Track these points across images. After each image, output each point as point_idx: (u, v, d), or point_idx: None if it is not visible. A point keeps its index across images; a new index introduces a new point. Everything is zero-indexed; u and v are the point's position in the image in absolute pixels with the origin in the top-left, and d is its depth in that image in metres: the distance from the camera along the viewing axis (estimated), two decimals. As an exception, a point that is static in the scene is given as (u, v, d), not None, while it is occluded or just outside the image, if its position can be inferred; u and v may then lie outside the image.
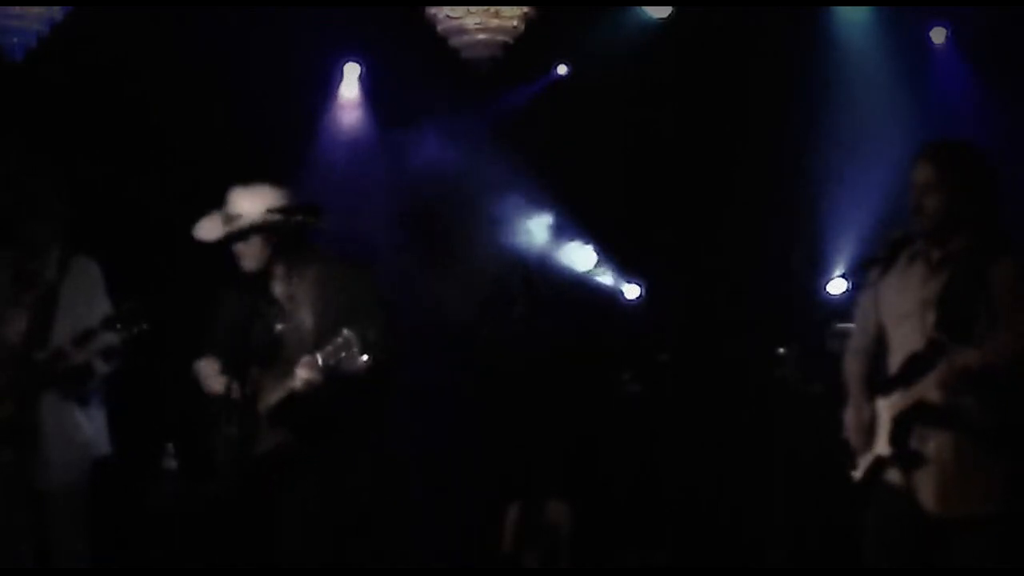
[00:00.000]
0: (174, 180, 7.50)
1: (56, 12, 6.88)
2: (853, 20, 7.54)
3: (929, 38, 7.60)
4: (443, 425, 7.60)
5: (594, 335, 7.86)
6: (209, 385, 5.13)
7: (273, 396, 5.02)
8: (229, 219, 5.10)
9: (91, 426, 5.52)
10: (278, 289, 5.15)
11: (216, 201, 5.18)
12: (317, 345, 4.91)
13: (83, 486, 5.46)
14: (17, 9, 6.77)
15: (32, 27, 6.84)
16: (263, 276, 5.10)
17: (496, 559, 7.06)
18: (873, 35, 7.53)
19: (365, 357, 4.84)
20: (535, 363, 7.64)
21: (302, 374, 4.88)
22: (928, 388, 4.27)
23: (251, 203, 5.08)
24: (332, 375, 4.90)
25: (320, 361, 4.87)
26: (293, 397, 4.96)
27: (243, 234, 5.06)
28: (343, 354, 4.84)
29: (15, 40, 6.82)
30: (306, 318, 5.06)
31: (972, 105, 7.28)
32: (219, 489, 5.20)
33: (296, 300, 5.11)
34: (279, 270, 5.12)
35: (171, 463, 6.93)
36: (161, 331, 5.50)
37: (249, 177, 5.21)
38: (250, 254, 5.09)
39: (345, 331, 4.83)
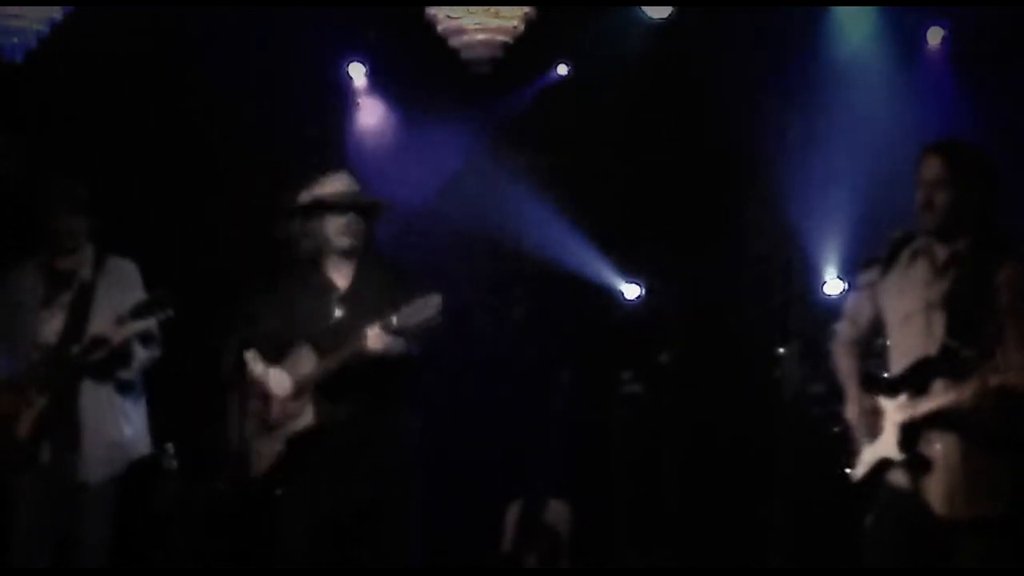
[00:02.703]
0: (176, 180, 7.51)
1: (56, 12, 6.88)
2: (853, 21, 7.54)
3: (926, 39, 7.60)
4: (442, 425, 7.59)
5: (594, 335, 7.86)
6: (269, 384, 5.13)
7: (327, 365, 5.01)
8: (348, 193, 5.17)
9: (130, 426, 5.54)
10: (339, 279, 5.20)
11: (215, 201, 5.21)
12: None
13: (115, 483, 5.48)
14: (17, 9, 6.77)
15: (32, 27, 6.83)
16: (319, 264, 5.16)
17: (496, 559, 7.06)
18: (873, 36, 7.53)
19: (438, 320, 4.85)
20: (535, 363, 7.64)
21: (374, 334, 4.89)
22: (947, 399, 4.27)
23: (351, 185, 5.23)
24: (403, 338, 4.93)
25: (396, 322, 4.88)
26: (354, 364, 4.96)
27: (375, 208, 5.20)
28: (424, 314, 4.85)
29: (15, 40, 6.81)
30: (371, 307, 5.04)
31: (966, 106, 7.28)
32: (222, 486, 5.23)
33: (361, 290, 5.16)
34: (351, 261, 5.19)
35: (171, 463, 6.93)
36: (162, 329, 5.51)
37: (250, 176, 5.22)
38: (356, 231, 5.16)
39: (425, 296, 4.85)
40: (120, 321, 5.34)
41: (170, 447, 6.95)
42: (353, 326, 5.03)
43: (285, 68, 7.57)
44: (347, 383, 5.01)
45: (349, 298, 5.17)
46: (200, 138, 7.58)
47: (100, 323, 5.39)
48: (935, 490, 4.32)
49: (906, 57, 7.56)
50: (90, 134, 7.36)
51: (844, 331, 4.70)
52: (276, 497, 5.27)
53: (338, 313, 5.15)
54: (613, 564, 7.36)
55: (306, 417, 5.05)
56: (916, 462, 4.34)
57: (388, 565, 5.14)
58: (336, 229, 5.15)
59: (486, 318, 7.89)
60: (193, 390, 7.29)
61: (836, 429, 4.65)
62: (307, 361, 5.06)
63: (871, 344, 4.64)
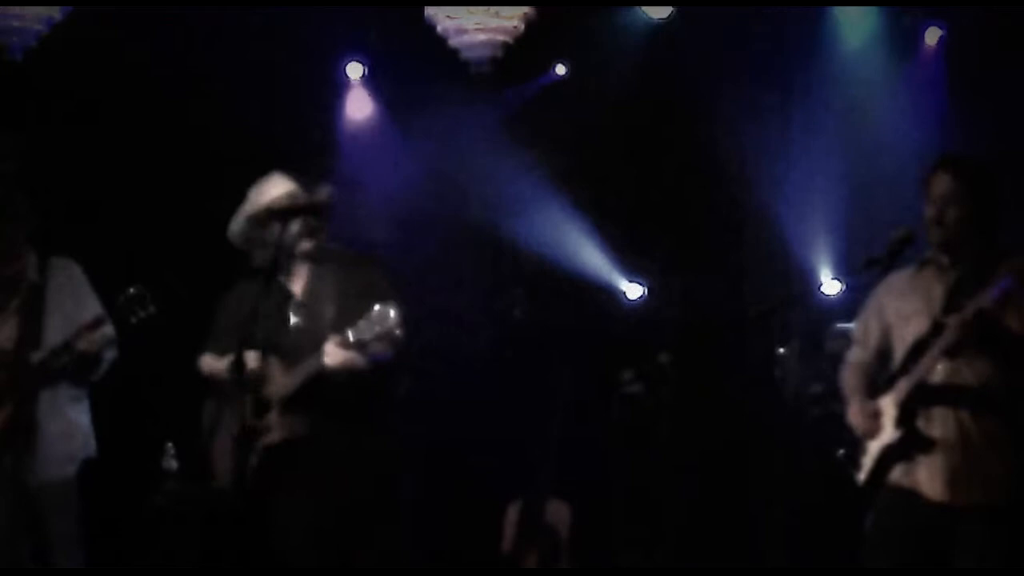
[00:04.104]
0: (175, 179, 7.50)
1: (56, 12, 6.89)
2: (852, 21, 7.55)
3: (924, 39, 7.60)
4: (442, 425, 7.59)
5: (594, 335, 7.85)
6: (215, 373, 5.08)
7: (290, 382, 4.93)
8: (296, 195, 5.05)
9: (84, 424, 5.55)
10: (295, 284, 5.11)
11: (216, 200, 5.21)
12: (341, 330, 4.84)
13: (74, 482, 5.49)
14: (17, 9, 6.78)
15: (32, 27, 6.84)
16: (275, 271, 5.02)
17: (496, 559, 7.06)
18: (872, 36, 7.54)
19: (398, 331, 4.76)
20: (535, 362, 7.64)
21: (331, 350, 4.79)
22: (930, 363, 4.32)
23: (294, 186, 5.08)
24: (363, 350, 4.82)
25: (352, 336, 4.78)
26: (317, 379, 4.87)
27: (324, 208, 5.04)
28: (377, 328, 4.74)
29: (15, 40, 6.83)
30: (327, 310, 4.97)
31: (963, 106, 7.28)
32: (220, 487, 5.18)
33: (317, 294, 5.05)
34: (306, 263, 5.09)
35: (171, 463, 6.93)
36: (162, 330, 5.50)
37: (251, 176, 5.21)
38: (315, 232, 5.04)
39: (378, 305, 4.75)
40: (98, 322, 5.33)
41: (170, 447, 6.95)
42: (311, 334, 4.94)
43: (285, 68, 7.57)
44: (311, 397, 4.92)
45: (305, 305, 5.07)
46: (198, 137, 7.57)
47: (55, 330, 5.37)
48: (935, 476, 4.35)
49: (904, 57, 7.56)
50: (89, 133, 7.36)
51: (855, 355, 4.73)
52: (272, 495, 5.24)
53: (295, 320, 5.06)
54: (613, 564, 7.36)
55: (275, 432, 4.97)
56: (913, 439, 4.36)
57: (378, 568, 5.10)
58: (297, 233, 5.03)
59: (486, 318, 7.89)
60: (192, 390, 7.32)
61: (841, 452, 4.66)
62: (275, 375, 4.98)
63: (882, 367, 4.66)
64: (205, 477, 6.89)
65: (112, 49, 7.32)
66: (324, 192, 5.09)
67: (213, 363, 5.16)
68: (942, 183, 4.47)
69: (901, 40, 7.55)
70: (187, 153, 7.56)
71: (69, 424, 5.49)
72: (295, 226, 5.02)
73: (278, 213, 5.00)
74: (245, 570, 6.74)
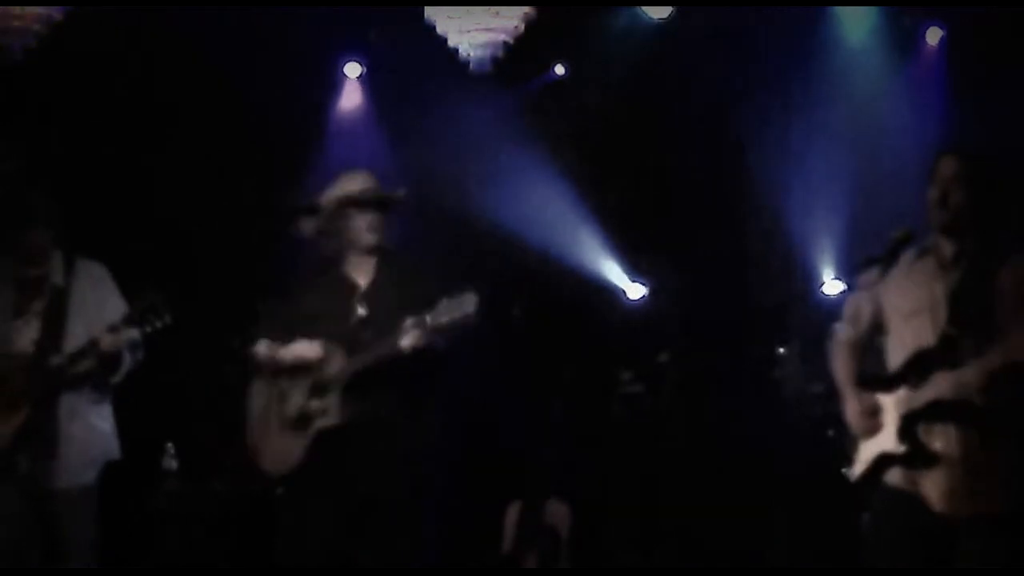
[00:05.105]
0: (175, 179, 7.51)
1: (56, 12, 6.89)
2: (853, 21, 7.55)
3: (925, 39, 7.61)
4: (442, 424, 7.58)
5: (594, 335, 7.86)
6: (300, 354, 5.05)
7: (356, 363, 4.94)
8: (374, 190, 5.12)
9: (107, 428, 5.53)
10: (361, 277, 5.15)
11: (217, 199, 5.22)
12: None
13: (94, 487, 5.47)
14: (17, 9, 6.78)
15: (32, 27, 6.84)
16: (342, 263, 5.11)
17: (496, 559, 7.07)
18: (873, 36, 7.55)
19: (474, 319, 4.78)
20: (535, 362, 7.65)
21: (408, 333, 4.81)
22: (952, 384, 4.29)
23: (373, 181, 5.16)
24: (438, 335, 4.84)
25: (430, 320, 4.81)
26: (386, 362, 4.88)
27: (395, 203, 5.13)
28: (456, 313, 4.78)
29: (15, 40, 6.83)
30: (396, 301, 4.98)
31: (964, 106, 7.29)
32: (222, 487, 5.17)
33: (384, 286, 5.10)
34: (371, 256, 5.13)
35: (171, 463, 6.94)
36: (162, 330, 5.50)
37: (251, 176, 5.21)
38: (380, 227, 5.11)
39: (460, 292, 4.79)
40: (114, 329, 5.31)
41: (170, 447, 6.96)
42: (377, 324, 4.98)
43: (285, 68, 7.57)
44: (375, 381, 4.94)
45: (371, 296, 5.11)
46: (201, 137, 7.57)
47: (76, 334, 5.36)
48: (935, 486, 4.33)
49: (905, 57, 7.57)
50: (89, 133, 7.36)
51: (843, 332, 4.71)
52: (279, 496, 5.23)
53: (360, 311, 5.09)
54: (613, 564, 7.36)
55: (332, 415, 4.98)
56: (918, 455, 4.35)
57: (403, 560, 5.10)
58: (364, 226, 5.11)
59: (486, 318, 7.88)
60: (192, 390, 7.32)
61: (831, 432, 4.64)
62: (335, 360, 5.02)
63: (871, 345, 4.65)
64: (205, 476, 6.94)
65: (111, 49, 7.32)
66: (400, 190, 5.17)
67: (275, 349, 5.13)
68: (949, 166, 4.46)
69: (901, 40, 7.55)
70: (187, 152, 7.56)
71: (90, 429, 5.46)
72: (365, 219, 5.11)
73: (355, 205, 5.09)
74: (245, 570, 6.77)
